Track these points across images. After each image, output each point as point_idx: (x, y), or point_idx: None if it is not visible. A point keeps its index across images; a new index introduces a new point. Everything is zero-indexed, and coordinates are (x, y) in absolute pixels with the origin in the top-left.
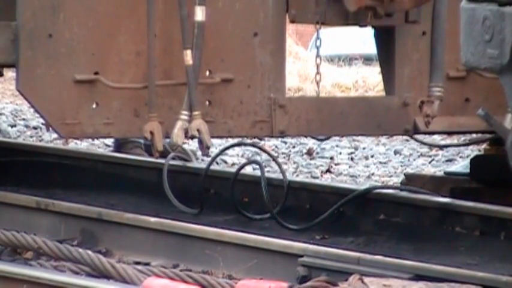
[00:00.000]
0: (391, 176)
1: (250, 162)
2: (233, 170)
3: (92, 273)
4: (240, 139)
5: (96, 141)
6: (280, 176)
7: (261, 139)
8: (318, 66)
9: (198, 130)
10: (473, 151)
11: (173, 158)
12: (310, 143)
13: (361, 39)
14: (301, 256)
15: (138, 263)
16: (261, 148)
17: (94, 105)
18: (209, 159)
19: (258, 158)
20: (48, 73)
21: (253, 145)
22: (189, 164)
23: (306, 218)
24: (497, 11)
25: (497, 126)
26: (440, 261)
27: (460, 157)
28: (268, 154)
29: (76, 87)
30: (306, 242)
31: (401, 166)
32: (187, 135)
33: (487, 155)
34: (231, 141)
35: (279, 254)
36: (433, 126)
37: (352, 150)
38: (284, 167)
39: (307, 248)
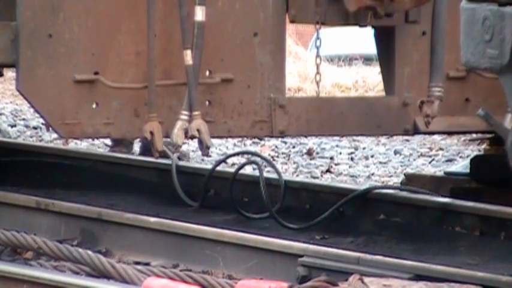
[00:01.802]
0: (391, 176)
1: (249, 162)
2: (233, 170)
3: (92, 273)
4: (240, 139)
5: (96, 141)
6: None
7: (261, 139)
8: (318, 66)
9: (198, 130)
10: (473, 151)
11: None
12: (310, 143)
13: (361, 39)
14: (301, 256)
15: (138, 263)
16: (261, 156)
17: (94, 105)
18: (209, 159)
19: (257, 158)
20: (48, 73)
21: (254, 153)
22: (189, 165)
23: (306, 218)
24: (497, 11)
25: (497, 126)
26: (440, 261)
27: (460, 157)
28: (265, 160)
29: (76, 87)
30: (306, 242)
31: (401, 166)
32: (187, 135)
33: (487, 155)
34: (231, 141)
35: (279, 254)
36: (433, 126)
37: (352, 150)
38: (284, 167)
39: (307, 248)
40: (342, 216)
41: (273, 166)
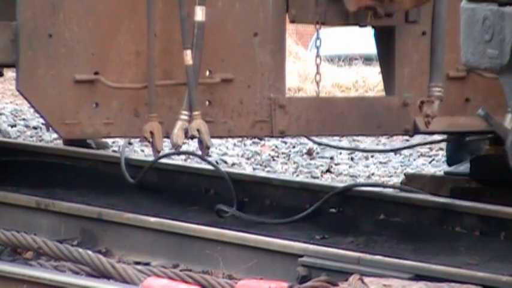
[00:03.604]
0: (391, 176)
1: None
2: (233, 170)
3: (92, 273)
4: (240, 139)
5: None
6: (281, 176)
7: (261, 139)
8: (318, 66)
9: (198, 130)
10: None
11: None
12: (310, 143)
13: (361, 39)
14: (301, 256)
15: (138, 263)
16: (201, 157)
17: (94, 105)
18: (209, 159)
19: (258, 157)
20: (48, 73)
21: (193, 154)
22: (189, 164)
23: (303, 217)
24: (497, 11)
25: (497, 126)
26: (440, 261)
27: None
28: (206, 160)
29: (76, 87)
30: (306, 242)
31: (401, 166)
32: (187, 135)
33: (487, 155)
34: (231, 141)
35: (279, 254)
36: (433, 126)
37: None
38: (284, 167)
39: (307, 248)
40: (342, 216)
41: (209, 162)
